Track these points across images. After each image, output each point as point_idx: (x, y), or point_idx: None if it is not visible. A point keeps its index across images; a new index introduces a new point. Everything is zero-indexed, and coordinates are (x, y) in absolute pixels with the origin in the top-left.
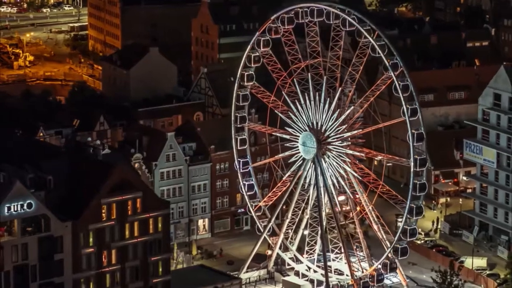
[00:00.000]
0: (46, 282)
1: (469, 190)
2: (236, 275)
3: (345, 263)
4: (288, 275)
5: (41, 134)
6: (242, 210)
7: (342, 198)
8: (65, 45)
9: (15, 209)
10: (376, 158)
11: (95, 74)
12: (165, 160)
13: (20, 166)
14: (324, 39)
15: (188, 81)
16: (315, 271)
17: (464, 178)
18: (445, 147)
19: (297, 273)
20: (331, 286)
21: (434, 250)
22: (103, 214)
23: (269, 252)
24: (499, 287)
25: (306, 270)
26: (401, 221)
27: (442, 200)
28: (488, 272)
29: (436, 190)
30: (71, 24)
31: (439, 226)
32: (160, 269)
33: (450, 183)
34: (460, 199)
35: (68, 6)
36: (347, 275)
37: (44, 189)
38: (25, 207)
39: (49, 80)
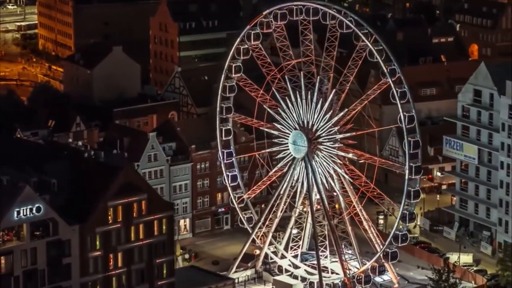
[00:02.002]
0: (54, 287)
1: (444, 186)
2: (225, 275)
3: (332, 262)
4: (278, 274)
5: (19, 136)
6: (223, 209)
7: (318, 196)
8: (14, 45)
9: (24, 214)
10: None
11: (50, 73)
12: (147, 160)
13: (20, 168)
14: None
15: (147, 79)
16: (298, 267)
17: (439, 174)
18: None
19: (280, 268)
20: (315, 283)
21: (418, 247)
22: (109, 217)
23: (257, 251)
24: (489, 283)
25: (289, 265)
26: (382, 218)
27: None
28: (475, 268)
29: None
30: (17, 23)
31: (418, 223)
32: (165, 271)
33: (424, 179)
34: (438, 195)
35: (12, 5)
36: (334, 273)
37: (48, 192)
38: (34, 211)
39: (3, 80)
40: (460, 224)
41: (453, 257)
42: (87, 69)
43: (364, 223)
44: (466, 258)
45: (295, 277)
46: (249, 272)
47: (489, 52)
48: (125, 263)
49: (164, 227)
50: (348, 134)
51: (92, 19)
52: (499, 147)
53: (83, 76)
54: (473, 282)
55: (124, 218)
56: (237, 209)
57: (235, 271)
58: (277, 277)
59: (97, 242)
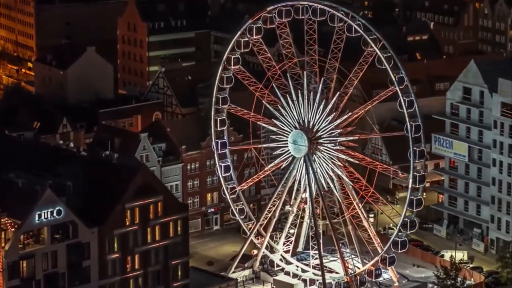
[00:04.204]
0: None
1: (427, 184)
2: (226, 276)
3: (328, 261)
4: (277, 275)
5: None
6: (213, 209)
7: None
8: None
9: (45, 217)
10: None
11: (15, 75)
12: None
13: (33, 171)
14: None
15: (115, 79)
16: (290, 263)
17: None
18: (402, 141)
19: (272, 263)
20: (308, 281)
21: (411, 244)
22: (127, 219)
23: (255, 251)
24: (487, 280)
25: (281, 260)
26: (373, 217)
27: (401, 194)
28: (470, 265)
29: (395, 184)
30: None
31: None
32: (180, 273)
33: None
34: (424, 193)
35: None
36: (331, 272)
37: (64, 195)
38: (54, 214)
39: None
40: (449, 222)
41: (447, 255)
42: (60, 70)
43: (365, 223)
44: (461, 256)
45: (287, 273)
46: (246, 272)
47: (451, 50)
48: (142, 265)
49: (179, 229)
50: (350, 138)
51: (54, 19)
52: (491, 144)
53: (56, 77)
54: (472, 279)
55: (141, 220)
56: (229, 200)
57: (234, 271)
58: (277, 277)
59: (115, 245)
